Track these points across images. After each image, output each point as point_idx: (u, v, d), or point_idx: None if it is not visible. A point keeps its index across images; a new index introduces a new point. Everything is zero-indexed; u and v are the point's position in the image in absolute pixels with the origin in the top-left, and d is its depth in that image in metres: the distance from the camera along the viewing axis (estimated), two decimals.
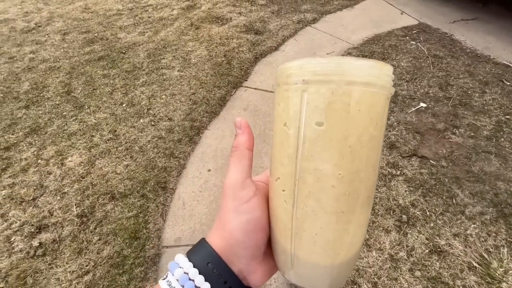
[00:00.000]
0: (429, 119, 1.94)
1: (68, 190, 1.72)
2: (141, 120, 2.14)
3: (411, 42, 2.69)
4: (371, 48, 2.65)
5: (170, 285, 0.24)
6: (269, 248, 0.28)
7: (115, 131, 2.08)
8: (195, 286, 0.24)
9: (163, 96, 2.34)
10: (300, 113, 0.22)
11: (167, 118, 2.14)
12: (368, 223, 0.26)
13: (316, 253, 0.24)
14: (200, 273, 0.24)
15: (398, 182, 1.59)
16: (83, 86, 2.53)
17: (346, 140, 0.22)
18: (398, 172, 1.64)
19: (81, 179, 1.78)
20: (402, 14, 3.18)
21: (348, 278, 0.26)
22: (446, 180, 1.58)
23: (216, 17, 3.36)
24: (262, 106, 2.20)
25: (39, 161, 1.91)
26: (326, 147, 0.22)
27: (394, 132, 1.88)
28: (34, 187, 1.76)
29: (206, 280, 0.24)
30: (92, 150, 1.95)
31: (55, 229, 1.56)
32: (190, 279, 0.24)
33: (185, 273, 0.24)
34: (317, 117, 0.22)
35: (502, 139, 1.76)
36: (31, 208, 1.65)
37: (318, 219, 0.23)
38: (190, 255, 0.26)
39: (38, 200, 1.69)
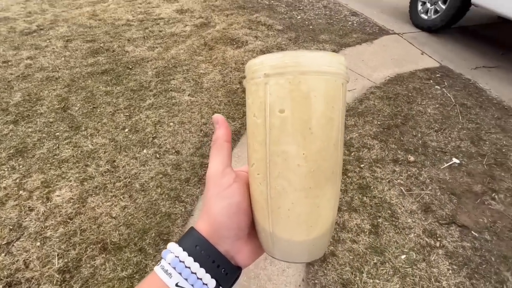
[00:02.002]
0: (464, 179, 1.77)
1: (51, 235, 1.45)
2: (145, 151, 1.91)
3: (436, 86, 2.58)
4: (395, 89, 2.52)
5: (163, 268, 0.26)
6: (253, 229, 0.30)
7: (114, 161, 1.83)
8: (185, 266, 0.26)
9: (171, 124, 2.12)
10: (265, 103, 0.25)
11: (174, 151, 1.92)
12: (339, 196, 0.30)
13: (291, 228, 0.26)
14: (189, 255, 0.26)
15: (438, 257, 1.39)
16: (82, 103, 2.29)
17: (307, 123, 0.24)
18: (438, 244, 1.44)
19: (69, 220, 1.51)
20: (422, 54, 3.10)
21: (326, 249, 0.35)
22: (493, 259, 1.39)
23: (231, 39, 3.22)
24: None
25: (20, 192, 1.64)
26: (289, 131, 0.24)
27: (428, 192, 1.69)
28: (11, 227, 1.48)
29: (195, 261, 0.26)
30: (85, 183, 1.69)
31: (29, 287, 1.27)
32: (180, 261, 0.26)
33: (176, 256, 0.26)
34: (279, 106, 0.24)
35: None
36: (3, 255, 1.37)
37: (289, 196, 0.25)
38: (180, 242, 0.28)
39: (13, 245, 1.41)
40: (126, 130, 2.06)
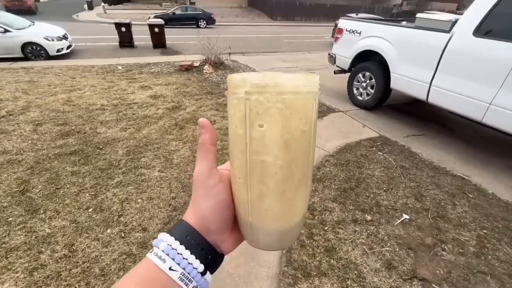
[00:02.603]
0: (416, 233, 1.95)
1: None
2: (109, 231, 1.84)
3: (379, 152, 3.02)
4: (346, 156, 2.89)
5: (157, 255, 0.28)
6: (235, 223, 0.34)
7: (73, 245, 1.72)
8: (178, 253, 0.29)
9: (139, 200, 2.12)
10: (245, 117, 0.27)
11: (140, 228, 1.87)
12: (310, 194, 0.32)
13: (269, 224, 0.31)
14: (181, 244, 0.29)
15: None
16: (44, 185, 2.23)
17: (283, 137, 0.27)
18: None
19: None
20: (364, 127, 3.70)
21: (297, 239, 0.40)
22: None
23: None
24: None
25: None
26: (267, 144, 0.27)
27: (387, 248, 1.81)
28: None
29: (186, 249, 0.30)
30: (35, 274, 1.53)
31: None
32: (173, 249, 0.29)
33: (168, 245, 0.29)
34: (258, 121, 0.27)
35: (489, 257, 1.78)
36: None
37: (266, 199, 0.29)
38: (171, 232, 0.31)
39: None
40: (90, 210, 2.00)
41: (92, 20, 17.60)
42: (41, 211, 1.97)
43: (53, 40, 7.11)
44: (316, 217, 2.05)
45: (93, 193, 2.18)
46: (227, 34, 11.68)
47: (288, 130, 0.27)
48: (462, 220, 2.09)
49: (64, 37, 7.49)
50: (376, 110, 4.24)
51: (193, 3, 24.98)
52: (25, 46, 6.86)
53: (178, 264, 0.28)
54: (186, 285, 0.28)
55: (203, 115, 3.68)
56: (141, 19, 17.66)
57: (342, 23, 4.43)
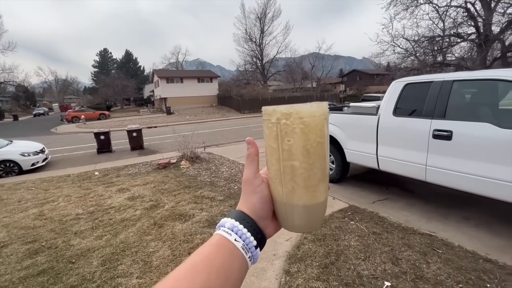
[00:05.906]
0: None
1: None
2: None
3: (351, 222, 3.21)
4: (322, 231, 3.03)
5: (224, 231, 0.39)
6: (274, 215, 0.44)
7: None
8: (238, 229, 0.39)
9: None
10: (278, 136, 0.38)
11: None
12: (328, 187, 0.44)
13: (298, 212, 0.40)
14: (240, 224, 0.40)
15: None
16: None
17: (304, 147, 0.37)
18: None
19: None
20: (334, 199, 3.99)
21: (321, 223, 0.45)
22: None
23: (179, 215, 3.64)
24: None
25: None
26: (294, 153, 0.38)
27: None
28: None
29: (244, 228, 0.39)
30: None
31: None
32: (235, 227, 0.39)
33: (231, 224, 0.39)
34: (287, 137, 0.38)
35: None
36: None
37: (296, 192, 0.39)
38: (231, 216, 0.41)
39: None
40: None
41: (71, 131, 18.52)
42: None
43: (29, 155, 7.31)
44: None
45: None
46: (201, 130, 12.83)
47: (308, 142, 0.37)
48: (438, 278, 2.18)
49: (41, 151, 7.75)
50: (341, 182, 4.65)
51: (169, 108, 27.89)
52: None
53: (240, 237, 0.39)
54: (246, 253, 0.38)
55: (182, 210, 3.76)
56: (119, 126, 18.96)
57: None
